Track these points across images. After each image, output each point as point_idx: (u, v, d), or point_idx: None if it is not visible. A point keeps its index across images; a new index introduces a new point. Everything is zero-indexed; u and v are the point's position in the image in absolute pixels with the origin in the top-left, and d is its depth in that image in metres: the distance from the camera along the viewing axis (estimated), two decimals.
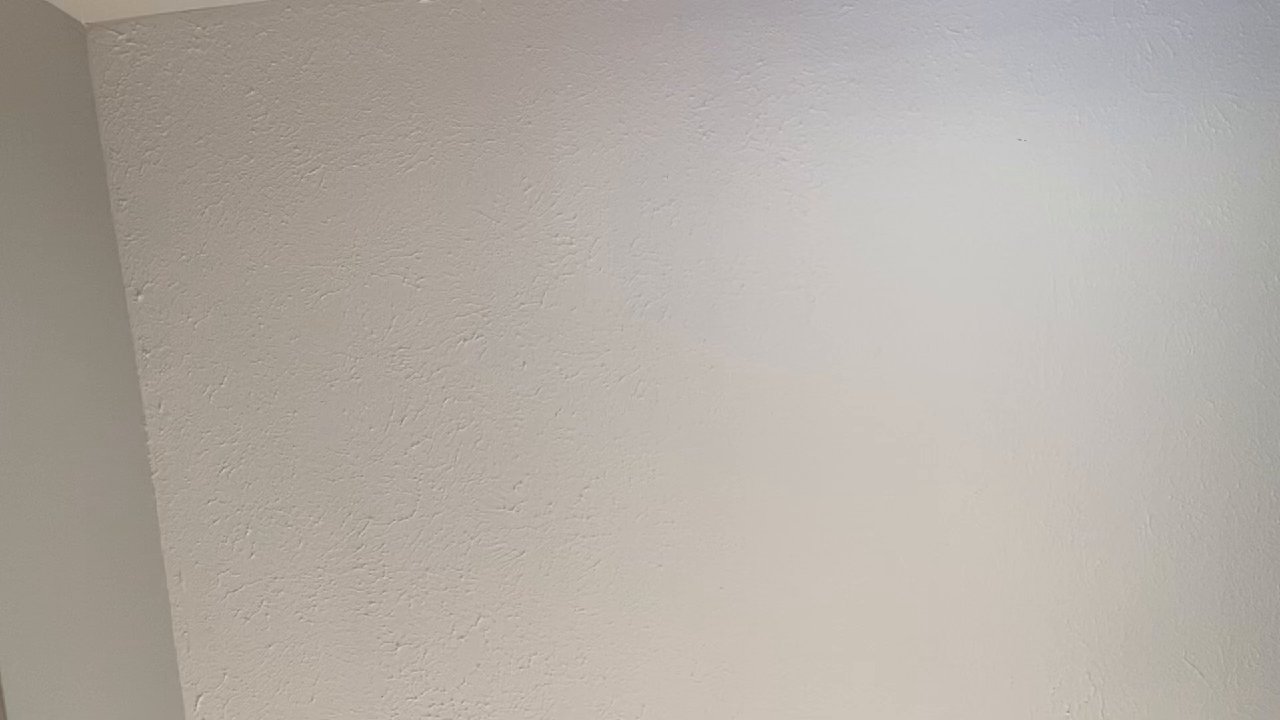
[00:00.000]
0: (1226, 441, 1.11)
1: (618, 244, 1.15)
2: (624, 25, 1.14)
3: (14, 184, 1.01)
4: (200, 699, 1.21)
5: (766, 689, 1.17)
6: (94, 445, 1.09)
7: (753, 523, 1.16)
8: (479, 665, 1.19)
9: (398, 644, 1.20)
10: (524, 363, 1.17)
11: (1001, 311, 1.12)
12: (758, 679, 1.17)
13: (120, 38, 1.16)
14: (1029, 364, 1.13)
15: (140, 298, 1.18)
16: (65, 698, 1.00)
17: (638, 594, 1.17)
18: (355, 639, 1.20)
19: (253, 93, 1.16)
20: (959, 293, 1.13)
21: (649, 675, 1.18)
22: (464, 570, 1.19)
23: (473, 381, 1.17)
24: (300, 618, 1.20)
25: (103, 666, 1.07)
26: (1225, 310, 1.10)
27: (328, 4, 1.15)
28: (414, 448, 1.18)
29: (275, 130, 1.17)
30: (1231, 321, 1.11)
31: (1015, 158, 1.11)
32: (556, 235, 1.16)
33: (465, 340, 1.17)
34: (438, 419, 1.18)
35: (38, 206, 1.04)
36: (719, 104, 1.14)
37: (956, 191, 1.12)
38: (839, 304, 1.14)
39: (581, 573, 1.18)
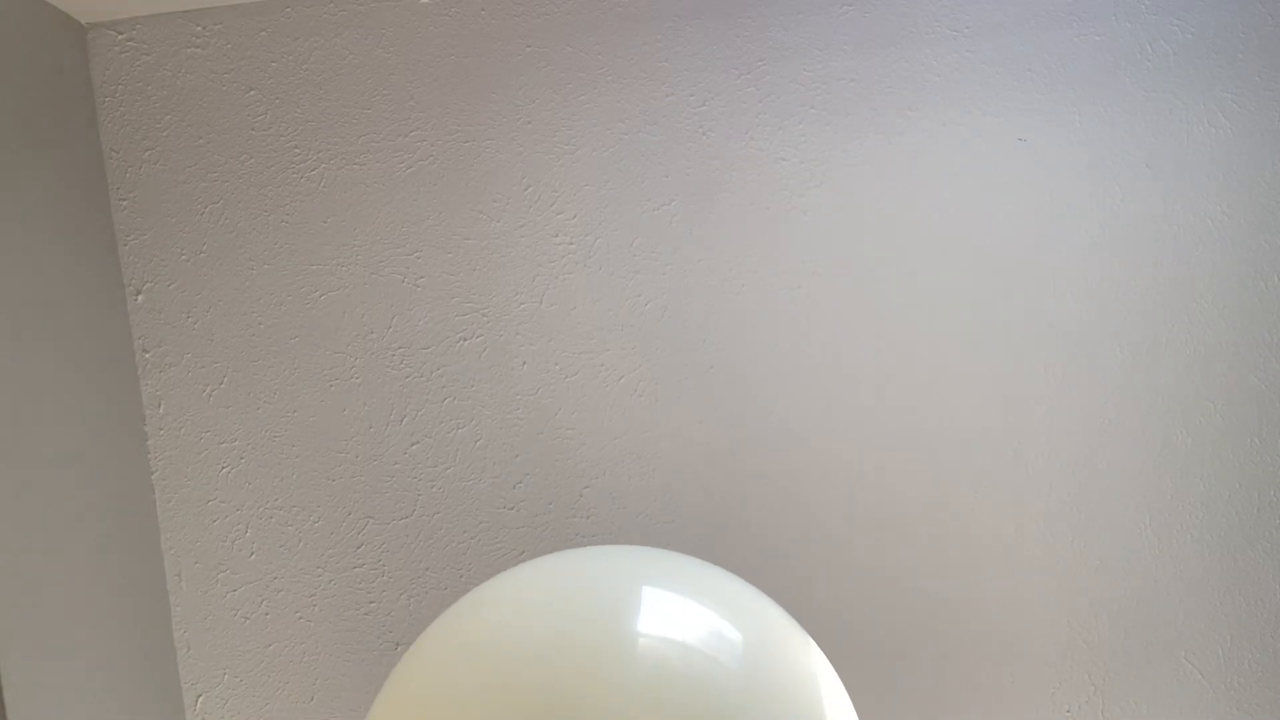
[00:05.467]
0: (1226, 441, 1.11)
1: (618, 244, 1.15)
2: (624, 25, 1.14)
3: (13, 184, 1.01)
4: (200, 699, 1.21)
5: None
6: (94, 445, 1.09)
7: (753, 522, 1.16)
8: None
9: (398, 644, 1.20)
10: (524, 363, 1.17)
11: (1001, 311, 1.12)
12: None
13: (120, 38, 1.16)
14: (1029, 364, 1.13)
15: (140, 298, 1.18)
16: (65, 698, 1.00)
17: None
18: (355, 639, 1.20)
19: (253, 93, 1.17)
20: (959, 292, 1.13)
21: None
22: (464, 570, 1.19)
23: (473, 381, 1.17)
24: (300, 618, 1.20)
25: (103, 666, 1.07)
26: (1225, 310, 1.10)
27: (328, 4, 1.15)
28: (414, 448, 1.18)
29: (275, 130, 1.17)
30: (1231, 321, 1.11)
31: (1015, 158, 1.11)
32: (556, 235, 1.16)
33: (465, 340, 1.17)
34: (438, 419, 1.18)
35: (37, 206, 1.04)
36: (719, 104, 1.14)
37: (956, 191, 1.12)
38: (838, 304, 1.14)
39: None
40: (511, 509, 1.18)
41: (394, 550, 1.19)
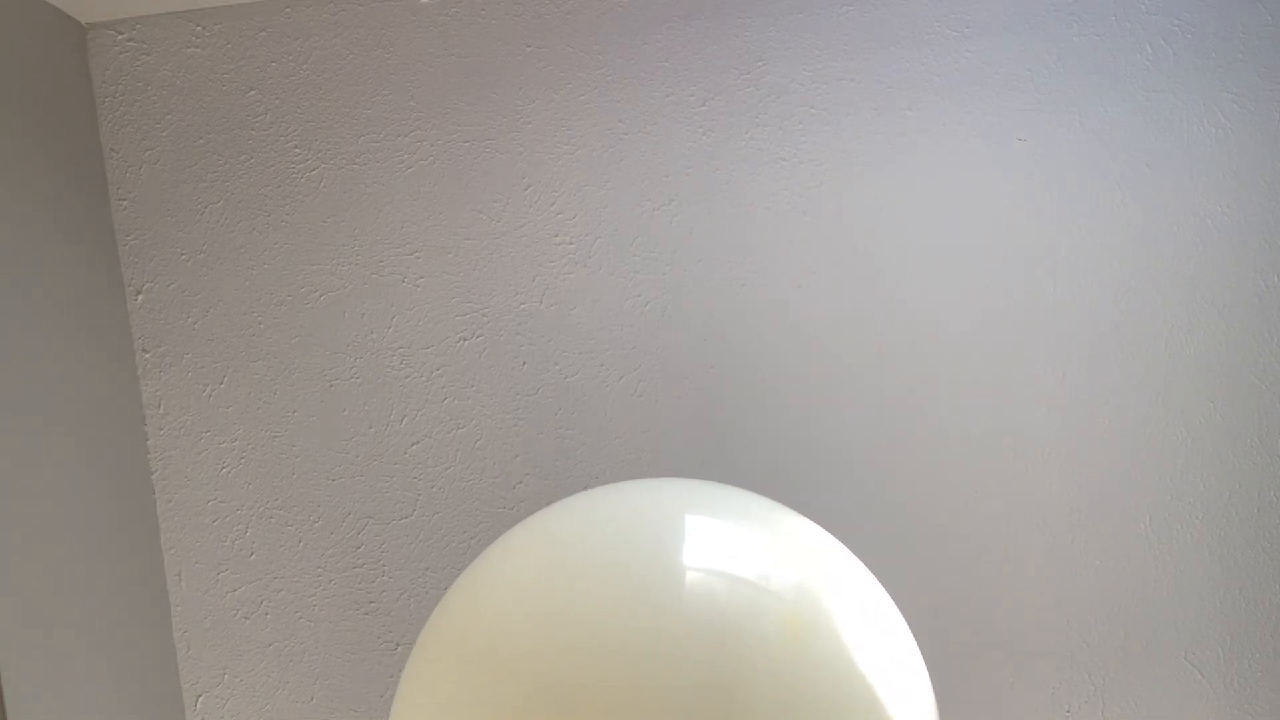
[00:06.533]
0: (1226, 441, 1.11)
1: (618, 244, 1.15)
2: (624, 25, 1.14)
3: (13, 184, 1.01)
4: (200, 699, 1.21)
5: None
6: (94, 445, 1.09)
7: None
8: None
9: (398, 644, 1.20)
10: (524, 363, 1.17)
11: (1001, 311, 1.12)
12: None
13: (120, 38, 1.16)
14: (1029, 363, 1.13)
15: (140, 298, 1.18)
16: (65, 698, 1.00)
17: None
18: (355, 639, 1.20)
19: (253, 93, 1.17)
20: (959, 293, 1.13)
21: None
22: (464, 570, 1.19)
23: (473, 381, 1.17)
24: (300, 618, 1.20)
25: (103, 666, 1.07)
26: (1225, 310, 1.10)
27: (328, 4, 1.15)
28: (414, 448, 1.18)
29: (275, 130, 1.17)
30: (1231, 321, 1.11)
31: (1015, 158, 1.11)
32: (556, 235, 1.16)
33: (465, 340, 1.17)
34: (438, 419, 1.18)
35: (37, 206, 1.04)
36: (719, 104, 1.14)
37: (957, 191, 1.12)
38: (838, 304, 1.14)
39: None
40: (511, 509, 1.18)
41: (394, 550, 1.19)
